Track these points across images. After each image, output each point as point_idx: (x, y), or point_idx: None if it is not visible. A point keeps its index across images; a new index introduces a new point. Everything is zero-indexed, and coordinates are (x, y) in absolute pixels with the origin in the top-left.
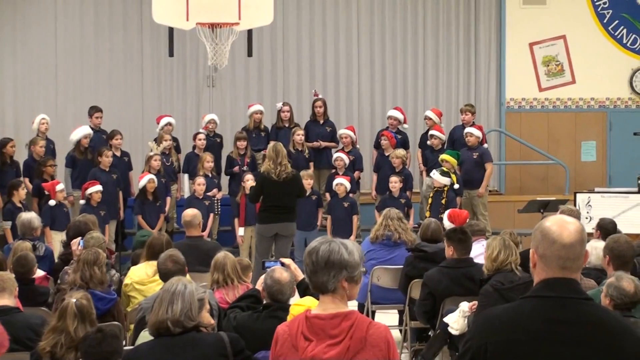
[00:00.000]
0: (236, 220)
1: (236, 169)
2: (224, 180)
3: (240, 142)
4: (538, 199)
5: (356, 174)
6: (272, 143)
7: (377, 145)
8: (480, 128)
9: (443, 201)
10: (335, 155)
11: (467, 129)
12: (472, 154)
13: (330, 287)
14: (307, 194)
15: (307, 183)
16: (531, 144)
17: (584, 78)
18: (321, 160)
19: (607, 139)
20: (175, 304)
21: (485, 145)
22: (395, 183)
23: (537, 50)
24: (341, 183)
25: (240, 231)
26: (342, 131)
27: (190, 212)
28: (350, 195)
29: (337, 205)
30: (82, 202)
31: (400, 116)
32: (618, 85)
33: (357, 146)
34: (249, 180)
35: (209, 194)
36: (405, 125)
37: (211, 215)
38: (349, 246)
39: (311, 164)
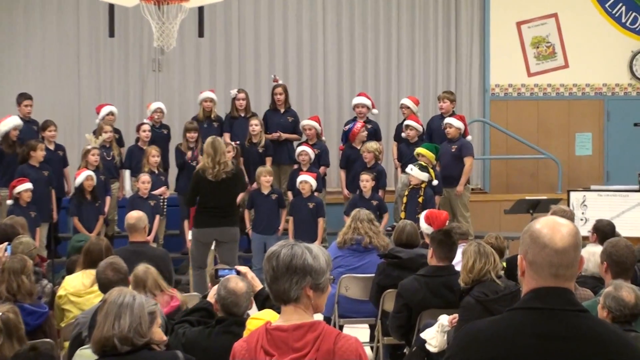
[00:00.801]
0: (186, 223)
1: (188, 154)
2: (172, 177)
3: (191, 134)
4: (527, 198)
5: (322, 169)
6: (210, 138)
7: (345, 138)
8: (461, 118)
9: (420, 200)
10: (298, 149)
11: (447, 119)
12: (451, 147)
13: (292, 296)
14: (267, 192)
15: (266, 180)
16: (519, 136)
17: (578, 62)
18: (282, 155)
19: (605, 130)
20: (123, 318)
21: (469, 138)
22: (366, 182)
23: (525, 30)
24: (306, 180)
25: (190, 234)
26: (305, 122)
27: (134, 214)
28: (316, 194)
29: (301, 206)
30: (9, 202)
31: (366, 102)
32: (616, 70)
33: (323, 138)
34: None
35: (154, 192)
36: (375, 111)
37: (157, 217)
38: (313, 250)
39: (269, 159)
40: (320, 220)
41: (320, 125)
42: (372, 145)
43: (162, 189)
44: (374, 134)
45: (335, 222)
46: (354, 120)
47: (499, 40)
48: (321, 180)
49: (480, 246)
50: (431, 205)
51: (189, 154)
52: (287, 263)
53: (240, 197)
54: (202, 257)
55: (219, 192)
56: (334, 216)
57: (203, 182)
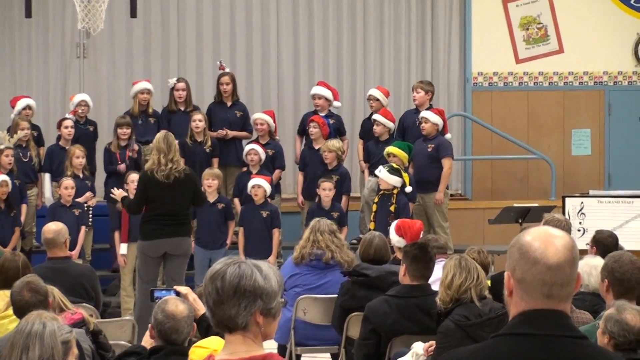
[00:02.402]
0: (117, 235)
1: (122, 166)
2: (99, 181)
3: (122, 130)
4: (515, 205)
5: (276, 173)
6: (161, 133)
7: (303, 132)
8: (439, 112)
9: (392, 208)
10: (246, 148)
11: (422, 113)
12: (427, 146)
13: (240, 323)
14: (212, 200)
15: (209, 185)
16: (506, 133)
17: (574, 46)
18: (228, 155)
19: (606, 126)
20: (32, 350)
21: (448, 136)
22: (327, 190)
23: (512, 9)
24: (259, 185)
25: (123, 249)
26: (257, 116)
27: (52, 227)
28: (269, 201)
29: (253, 215)
30: None
31: (326, 93)
32: (619, 56)
33: (277, 137)
34: (135, 182)
35: (79, 200)
36: (337, 104)
37: (82, 228)
38: (263, 269)
39: (216, 160)
40: (276, 232)
41: (274, 120)
42: (334, 143)
43: (88, 195)
44: (337, 131)
45: (291, 233)
46: (313, 113)
47: (482, 21)
48: (274, 186)
49: (462, 259)
50: (405, 214)
51: (122, 166)
52: (235, 285)
53: None
54: (153, 276)
55: (171, 195)
56: (290, 227)
57: (152, 184)
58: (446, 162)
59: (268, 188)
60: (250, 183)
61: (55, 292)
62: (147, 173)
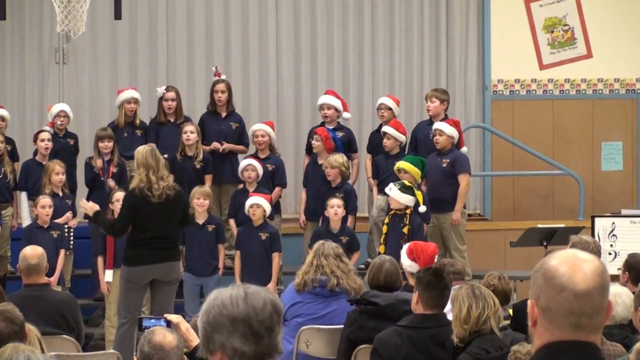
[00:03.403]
0: (100, 260)
1: (111, 183)
2: (80, 199)
3: (104, 144)
4: (539, 226)
5: (276, 191)
6: (145, 147)
7: (310, 150)
8: (455, 124)
9: (405, 230)
10: (243, 163)
11: (436, 125)
12: (442, 161)
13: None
14: (202, 221)
15: (200, 204)
16: (528, 147)
17: (604, 50)
18: (223, 171)
19: (639, 139)
20: None
21: (464, 150)
22: (337, 208)
23: (536, 9)
24: (257, 204)
25: (108, 276)
26: (256, 127)
27: (32, 252)
28: (269, 221)
29: (251, 237)
30: None
31: (336, 102)
32: None
33: (278, 152)
34: (121, 201)
35: (58, 221)
36: (347, 115)
37: (62, 252)
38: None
39: (209, 177)
40: (275, 256)
41: (274, 132)
42: (337, 158)
43: (68, 215)
44: (347, 145)
45: (293, 258)
46: (322, 124)
47: (502, 23)
48: (274, 205)
49: (474, 288)
50: (420, 236)
51: (98, 162)
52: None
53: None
54: (137, 306)
55: (162, 216)
56: (292, 250)
57: (141, 204)
58: (463, 179)
59: (267, 208)
60: (248, 202)
61: (31, 332)
62: (136, 192)
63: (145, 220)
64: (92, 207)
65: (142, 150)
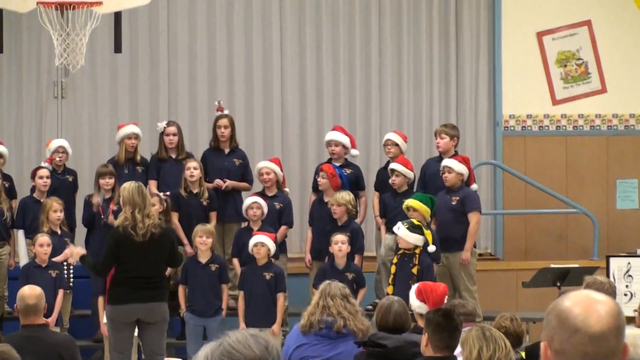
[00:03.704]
0: (100, 300)
1: (112, 219)
2: (80, 237)
3: (105, 181)
4: (552, 266)
5: (282, 230)
6: (131, 183)
7: (316, 187)
8: (464, 160)
9: (415, 270)
10: (247, 201)
11: (445, 162)
12: (451, 199)
13: None
14: (205, 260)
15: (202, 242)
16: (541, 184)
17: (619, 84)
18: (226, 209)
19: None
20: None
21: (474, 187)
22: (341, 244)
23: (548, 43)
24: (262, 243)
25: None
26: (262, 165)
27: (30, 292)
28: (274, 261)
29: (254, 278)
30: None
31: (344, 139)
32: None
33: (286, 189)
34: None
35: (56, 259)
36: (355, 152)
37: (60, 291)
38: (258, 332)
39: (214, 214)
40: (280, 296)
41: (281, 169)
42: (343, 196)
43: (67, 253)
44: (355, 182)
45: (298, 298)
46: (329, 161)
47: (513, 56)
48: (279, 244)
49: (484, 329)
50: (430, 277)
51: (95, 200)
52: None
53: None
54: (125, 343)
55: (147, 256)
56: (297, 291)
57: (125, 243)
58: (473, 217)
59: (272, 246)
60: (252, 241)
61: None
62: (119, 230)
63: (129, 259)
64: (77, 252)
65: (128, 187)
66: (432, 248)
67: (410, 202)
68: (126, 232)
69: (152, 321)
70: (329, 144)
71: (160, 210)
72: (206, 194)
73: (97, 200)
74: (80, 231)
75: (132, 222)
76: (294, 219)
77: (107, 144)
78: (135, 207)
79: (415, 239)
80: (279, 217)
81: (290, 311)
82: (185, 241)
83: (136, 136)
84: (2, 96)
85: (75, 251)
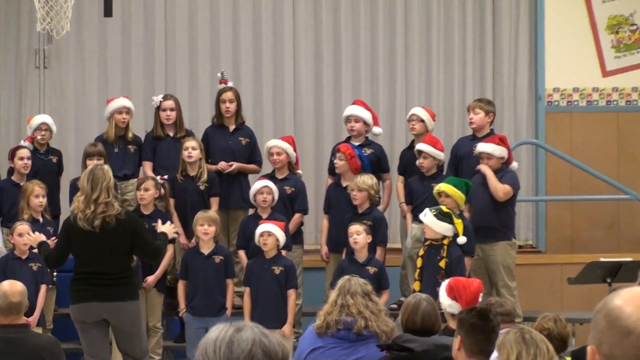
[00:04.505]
0: None
1: None
2: None
3: (93, 162)
4: (602, 260)
5: (296, 217)
6: (91, 165)
7: (332, 170)
8: (502, 140)
9: (442, 264)
10: (255, 185)
11: (480, 147)
12: (488, 184)
13: None
14: (207, 251)
15: (204, 232)
16: (589, 167)
17: None
18: (231, 194)
19: None
20: None
21: (514, 165)
22: (355, 235)
23: (597, 6)
24: (269, 232)
25: None
26: (272, 143)
27: (11, 288)
28: (284, 253)
29: (262, 272)
30: None
31: (365, 114)
32: None
33: (299, 171)
34: None
35: (37, 251)
36: (377, 130)
37: (43, 287)
38: (270, 338)
39: (215, 200)
40: (291, 293)
41: (294, 149)
42: (365, 180)
43: (50, 243)
44: (376, 164)
45: (313, 295)
46: (347, 140)
47: (558, 23)
48: (290, 235)
49: (524, 332)
50: (459, 271)
51: None
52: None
53: (166, 261)
54: (96, 345)
55: (102, 248)
56: (313, 287)
57: (76, 235)
58: (506, 187)
59: (281, 236)
60: (258, 230)
61: None
62: (70, 219)
63: (82, 253)
64: (36, 237)
65: (85, 170)
66: (462, 239)
67: (442, 186)
68: (74, 221)
69: (118, 324)
70: (348, 119)
71: (157, 196)
72: (204, 177)
73: None
74: (64, 218)
75: (79, 210)
76: (311, 203)
77: (96, 120)
78: (84, 192)
79: (443, 228)
80: (290, 202)
81: (305, 310)
82: (181, 231)
83: (128, 110)
84: None
85: (34, 237)
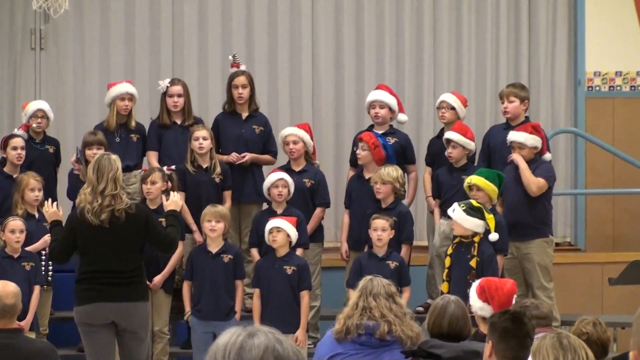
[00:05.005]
0: None
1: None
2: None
3: (92, 152)
4: None
5: (317, 212)
6: (98, 155)
7: (354, 161)
8: (535, 129)
9: (473, 262)
10: (272, 178)
11: (512, 136)
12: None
13: None
14: (216, 250)
15: (212, 229)
16: (633, 158)
17: None
18: (244, 188)
19: None
20: None
21: (547, 156)
22: (382, 231)
23: None
24: (278, 228)
25: None
26: (287, 132)
27: (5, 289)
28: (298, 252)
29: (272, 271)
30: None
31: (390, 100)
32: None
33: (317, 162)
34: None
35: (30, 248)
36: (403, 117)
37: (36, 288)
38: (284, 344)
39: (228, 193)
40: (305, 295)
41: (311, 137)
42: (390, 172)
43: (46, 240)
44: (401, 154)
45: (333, 297)
46: (370, 129)
47: (599, 1)
48: (306, 231)
49: (561, 337)
50: (492, 271)
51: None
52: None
53: (174, 260)
54: (101, 350)
55: (111, 245)
56: (333, 289)
57: (81, 228)
58: (540, 181)
59: (293, 233)
60: (267, 226)
61: None
62: (76, 213)
63: (89, 250)
64: (54, 212)
65: (92, 161)
66: (494, 236)
67: (473, 179)
68: (80, 215)
69: (129, 327)
70: (372, 105)
71: (164, 189)
72: (218, 169)
73: (74, 160)
74: (64, 214)
75: (85, 203)
76: (333, 197)
77: (96, 107)
78: (90, 184)
79: (473, 224)
80: (310, 196)
81: (323, 313)
82: (194, 227)
83: (130, 97)
84: None
85: (52, 210)
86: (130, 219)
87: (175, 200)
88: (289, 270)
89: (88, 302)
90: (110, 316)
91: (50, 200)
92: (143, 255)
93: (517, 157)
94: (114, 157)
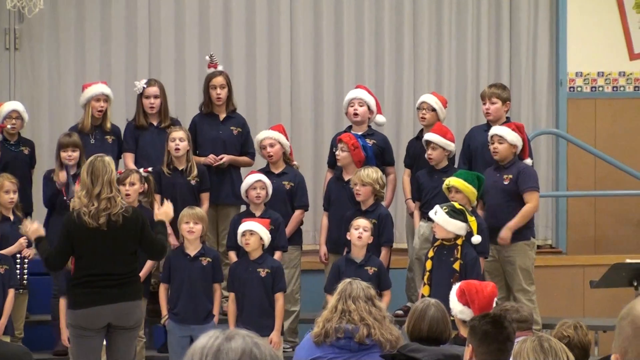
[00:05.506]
0: (62, 303)
1: (60, 177)
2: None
3: (67, 153)
4: (628, 261)
5: (297, 214)
6: (91, 157)
7: (333, 162)
8: (518, 128)
9: (456, 266)
10: (251, 180)
11: (494, 130)
12: (502, 178)
13: None
14: (194, 252)
15: (190, 231)
16: (615, 159)
17: None
18: (221, 190)
19: None
20: None
21: (528, 161)
22: (362, 230)
23: None
24: (251, 231)
25: None
26: (262, 136)
27: None
28: (277, 256)
29: (246, 274)
30: None
31: (368, 98)
32: None
33: (295, 163)
34: None
35: (5, 251)
36: (381, 119)
37: (10, 292)
38: (262, 348)
39: (204, 195)
40: (279, 297)
41: (287, 139)
42: (370, 173)
43: (22, 242)
44: (380, 156)
45: (311, 300)
46: (348, 130)
47: (581, 1)
48: (284, 234)
49: (542, 340)
50: (475, 274)
51: (62, 175)
52: None
53: (150, 262)
54: (90, 355)
55: (106, 248)
56: (312, 292)
57: (77, 232)
58: (531, 198)
59: (265, 235)
60: (241, 228)
61: None
62: (72, 216)
63: (86, 253)
64: (36, 229)
65: (85, 163)
66: (477, 239)
67: (452, 181)
68: (77, 218)
69: (124, 325)
70: (351, 103)
71: (141, 191)
72: (195, 171)
73: (63, 175)
74: (39, 216)
75: (82, 206)
76: (312, 198)
77: (72, 107)
78: (85, 186)
79: (456, 226)
80: (290, 198)
81: (302, 317)
82: (170, 230)
83: (106, 98)
84: None
85: (33, 228)
86: (127, 222)
87: (167, 211)
88: (263, 272)
89: (85, 307)
90: (107, 318)
91: (29, 218)
92: (138, 258)
93: (504, 235)
94: (108, 158)
